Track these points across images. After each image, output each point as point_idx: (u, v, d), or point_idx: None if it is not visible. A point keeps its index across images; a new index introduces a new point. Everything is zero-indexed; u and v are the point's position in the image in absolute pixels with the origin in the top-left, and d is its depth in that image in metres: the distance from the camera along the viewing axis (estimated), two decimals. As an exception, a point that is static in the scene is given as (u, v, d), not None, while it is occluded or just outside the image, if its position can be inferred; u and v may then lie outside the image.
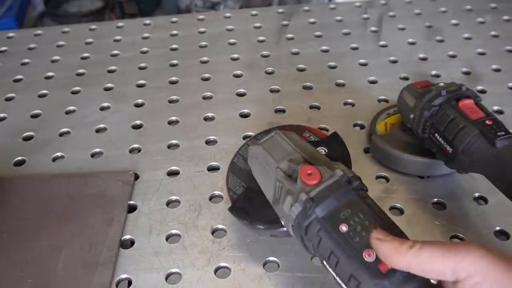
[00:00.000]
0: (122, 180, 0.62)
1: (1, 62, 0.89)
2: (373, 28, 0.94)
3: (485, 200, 0.59)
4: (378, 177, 0.63)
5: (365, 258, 0.37)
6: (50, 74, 0.85)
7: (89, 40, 0.94)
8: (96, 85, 0.81)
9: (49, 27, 1.17)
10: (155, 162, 0.66)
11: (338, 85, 0.80)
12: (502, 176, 0.50)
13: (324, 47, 0.89)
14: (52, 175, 0.64)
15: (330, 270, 0.40)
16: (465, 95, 0.57)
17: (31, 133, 0.72)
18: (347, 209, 0.40)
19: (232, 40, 0.92)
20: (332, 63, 0.85)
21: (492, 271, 0.31)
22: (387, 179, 0.62)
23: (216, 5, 2.16)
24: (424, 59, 0.85)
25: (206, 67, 0.85)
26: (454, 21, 0.95)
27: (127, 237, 0.56)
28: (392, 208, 0.58)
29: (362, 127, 0.71)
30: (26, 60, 0.89)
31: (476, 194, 0.60)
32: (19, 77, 0.84)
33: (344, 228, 0.39)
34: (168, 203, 0.60)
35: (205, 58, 0.87)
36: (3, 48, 0.93)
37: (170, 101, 0.77)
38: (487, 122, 0.53)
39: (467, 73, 0.82)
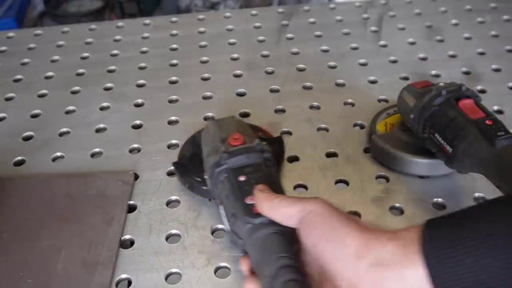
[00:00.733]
0: (122, 180, 0.62)
1: (1, 62, 0.89)
2: (373, 28, 0.94)
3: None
4: (378, 177, 0.63)
5: (246, 202, 0.46)
6: (49, 74, 0.85)
7: (89, 40, 0.93)
8: (96, 85, 0.81)
9: (49, 27, 1.17)
10: (155, 162, 0.66)
11: (338, 85, 0.80)
12: (502, 176, 0.50)
13: (324, 47, 0.89)
14: (52, 175, 0.64)
15: (221, 211, 0.50)
16: (465, 95, 0.56)
17: (31, 133, 0.72)
18: (251, 168, 0.50)
19: (232, 40, 0.92)
20: (332, 63, 0.85)
21: (325, 206, 0.40)
22: (387, 179, 0.62)
23: (216, 5, 2.16)
24: (424, 59, 0.85)
25: (206, 67, 0.85)
26: (454, 21, 0.95)
27: (127, 237, 0.56)
28: (392, 208, 0.58)
29: (362, 127, 0.71)
30: (26, 60, 0.89)
31: (476, 194, 0.60)
32: (18, 77, 0.84)
33: (242, 178, 0.49)
34: (168, 203, 0.60)
35: (205, 58, 0.87)
36: (3, 48, 0.93)
37: (170, 101, 0.77)
38: (487, 122, 0.53)
39: (467, 73, 0.82)
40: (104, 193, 0.61)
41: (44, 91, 0.80)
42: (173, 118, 0.73)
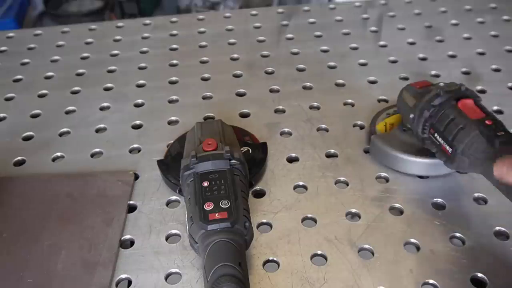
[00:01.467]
0: (122, 180, 0.62)
1: (1, 62, 0.89)
2: (373, 28, 0.94)
3: (485, 200, 0.59)
4: (378, 177, 0.63)
5: (205, 207, 0.49)
6: (50, 74, 0.85)
7: (89, 40, 0.94)
8: (96, 85, 0.81)
9: (49, 27, 1.17)
10: (155, 162, 0.66)
11: (338, 85, 0.80)
12: (502, 176, 0.50)
13: (324, 47, 0.89)
14: (52, 175, 0.64)
15: (186, 213, 0.52)
16: (465, 95, 0.57)
17: (31, 133, 0.72)
18: (216, 174, 0.52)
19: (232, 40, 0.92)
20: (332, 63, 0.85)
21: None
22: (387, 179, 0.62)
23: (216, 5, 2.16)
24: (424, 59, 0.85)
25: (206, 67, 0.85)
26: (454, 21, 0.96)
27: (127, 237, 0.56)
28: (392, 208, 0.58)
29: (362, 127, 0.71)
30: (26, 60, 0.89)
31: (476, 194, 0.60)
32: (18, 77, 0.84)
33: (205, 184, 0.51)
34: (168, 203, 0.60)
35: (205, 58, 0.87)
36: (3, 48, 0.93)
37: (170, 101, 0.77)
38: (487, 122, 0.53)
39: (467, 73, 0.82)
40: (104, 193, 0.61)
41: (44, 91, 0.80)
42: (173, 118, 0.73)
